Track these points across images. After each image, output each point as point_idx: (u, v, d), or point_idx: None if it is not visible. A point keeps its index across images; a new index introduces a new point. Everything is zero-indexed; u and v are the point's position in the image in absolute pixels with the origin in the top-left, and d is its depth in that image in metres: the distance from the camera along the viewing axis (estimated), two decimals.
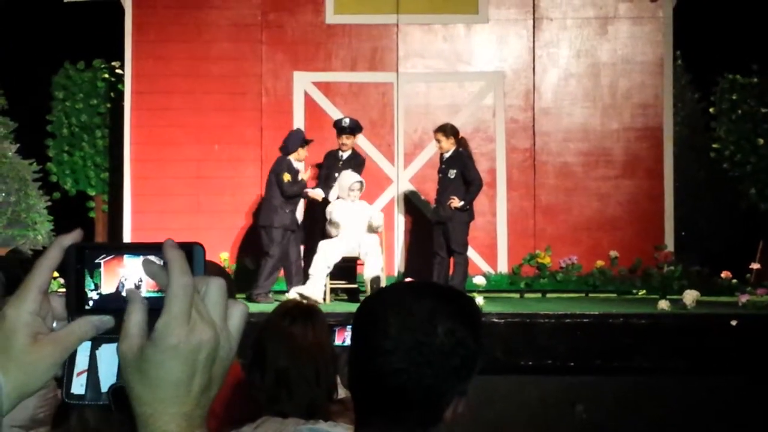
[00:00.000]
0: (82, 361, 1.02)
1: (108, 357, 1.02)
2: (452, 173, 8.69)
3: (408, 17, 10.35)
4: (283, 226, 8.87)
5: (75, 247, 1.01)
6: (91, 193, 11.23)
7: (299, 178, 8.97)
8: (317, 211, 9.34)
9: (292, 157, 8.99)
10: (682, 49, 11.13)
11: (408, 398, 1.38)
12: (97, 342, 1.02)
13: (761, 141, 11.16)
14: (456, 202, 8.61)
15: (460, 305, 1.48)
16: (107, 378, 1.02)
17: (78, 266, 1.01)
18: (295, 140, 9.06)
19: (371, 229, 8.80)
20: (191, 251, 1.01)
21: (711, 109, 11.70)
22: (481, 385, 6.96)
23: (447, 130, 8.79)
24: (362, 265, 8.82)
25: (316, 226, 9.30)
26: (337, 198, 8.89)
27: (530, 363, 6.96)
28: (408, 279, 8.81)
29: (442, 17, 10.40)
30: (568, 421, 6.94)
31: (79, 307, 1.01)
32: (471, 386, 1.46)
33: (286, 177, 8.95)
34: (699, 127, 11.85)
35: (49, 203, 11.21)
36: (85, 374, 1.02)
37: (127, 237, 10.09)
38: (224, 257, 9.75)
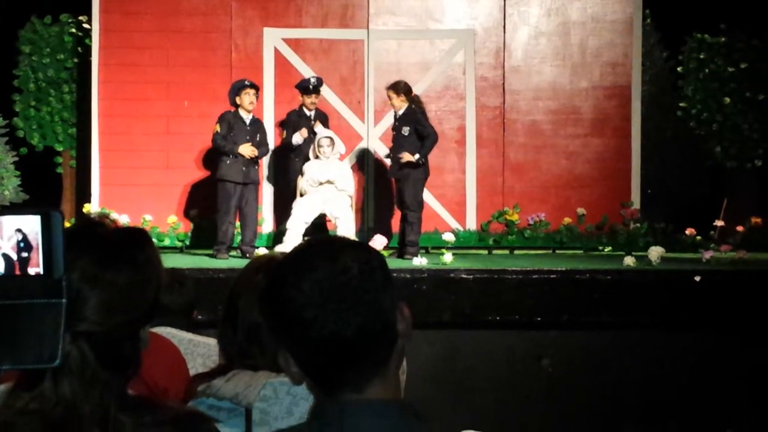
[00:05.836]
0: None
1: None
2: (406, 130, 8.73)
3: None
4: (232, 180, 8.75)
5: None
6: (59, 148, 11.12)
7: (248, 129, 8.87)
8: (291, 166, 9.36)
9: (240, 110, 8.92)
10: (652, 8, 11.13)
11: (345, 349, 1.35)
12: None
13: (727, 100, 11.26)
14: (408, 156, 8.63)
15: (357, 244, 1.46)
16: None
17: None
18: (233, 90, 9.00)
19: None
20: (48, 217, 0.99)
21: (679, 68, 11.75)
22: (448, 339, 7.08)
23: (399, 88, 8.79)
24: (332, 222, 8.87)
25: (289, 181, 9.32)
26: (316, 157, 8.89)
27: (497, 318, 7.06)
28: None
29: None
30: (533, 375, 7.07)
31: None
32: (408, 328, 1.41)
33: (216, 127, 8.88)
34: (667, 86, 11.87)
35: (16, 158, 11.05)
36: None
37: (96, 192, 10.04)
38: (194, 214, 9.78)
